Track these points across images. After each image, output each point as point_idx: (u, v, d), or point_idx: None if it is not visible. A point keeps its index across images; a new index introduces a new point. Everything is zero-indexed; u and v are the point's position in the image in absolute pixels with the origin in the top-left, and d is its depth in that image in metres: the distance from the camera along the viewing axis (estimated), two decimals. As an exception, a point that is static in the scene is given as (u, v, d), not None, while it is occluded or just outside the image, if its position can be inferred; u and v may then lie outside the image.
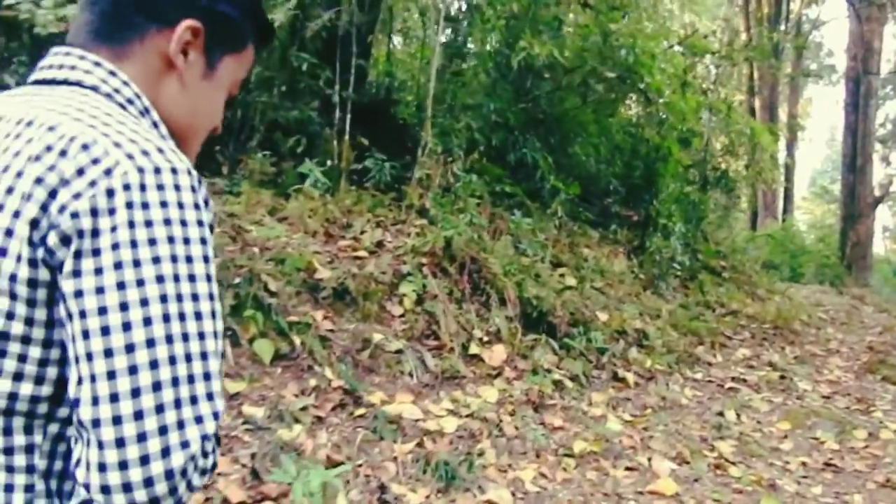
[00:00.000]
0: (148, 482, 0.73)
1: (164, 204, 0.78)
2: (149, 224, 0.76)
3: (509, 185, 6.89)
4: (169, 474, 0.74)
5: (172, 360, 0.76)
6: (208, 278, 0.81)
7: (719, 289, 9.62)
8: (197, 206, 0.81)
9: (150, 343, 0.75)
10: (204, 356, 0.78)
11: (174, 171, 0.80)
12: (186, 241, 0.79)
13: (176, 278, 0.77)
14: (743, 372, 6.46)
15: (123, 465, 0.73)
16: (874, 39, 18.03)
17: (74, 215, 0.75)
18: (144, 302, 0.75)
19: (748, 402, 5.66)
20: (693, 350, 6.66)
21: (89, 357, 0.74)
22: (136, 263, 0.75)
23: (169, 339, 0.76)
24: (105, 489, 0.73)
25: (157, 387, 0.75)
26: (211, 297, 0.81)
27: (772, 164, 11.58)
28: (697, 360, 6.52)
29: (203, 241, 0.80)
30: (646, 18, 9.90)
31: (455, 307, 5.38)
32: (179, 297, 0.77)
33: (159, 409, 0.75)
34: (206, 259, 0.80)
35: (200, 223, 0.81)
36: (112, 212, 0.75)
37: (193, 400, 0.77)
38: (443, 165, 6.46)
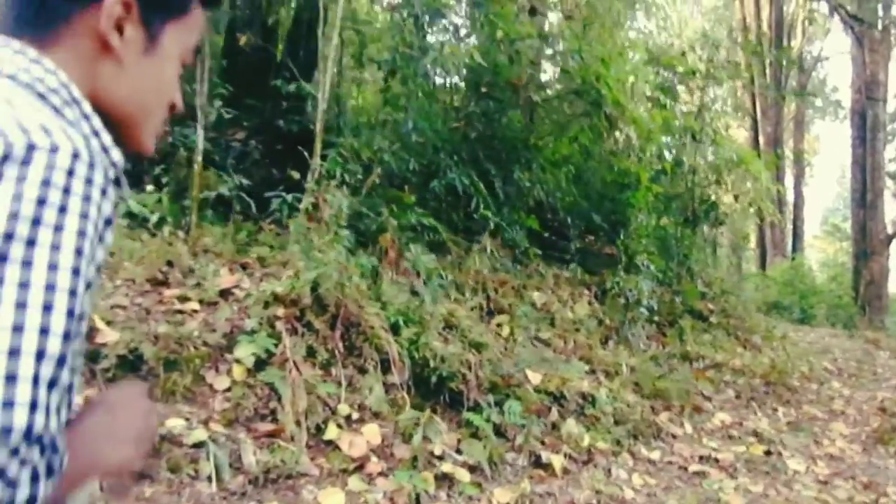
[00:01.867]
0: None
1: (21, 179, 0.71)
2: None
3: (423, 215, 5.62)
4: None
5: None
6: (75, 273, 0.72)
7: (704, 336, 8.22)
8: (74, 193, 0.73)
9: None
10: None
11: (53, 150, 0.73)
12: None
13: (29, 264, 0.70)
14: (717, 447, 5.06)
15: None
16: (879, 71, 16.95)
17: None
18: None
19: (717, 493, 4.26)
20: (654, 418, 5.27)
21: None
22: None
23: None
24: None
25: None
26: (72, 293, 0.72)
27: (765, 195, 10.23)
28: (659, 431, 5.13)
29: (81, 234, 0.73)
30: (609, 34, 8.73)
31: (318, 374, 4.06)
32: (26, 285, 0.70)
33: None
34: (78, 252, 0.73)
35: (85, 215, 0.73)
36: None
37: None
38: (332, 193, 5.21)
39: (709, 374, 6.91)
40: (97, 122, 0.84)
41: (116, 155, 0.84)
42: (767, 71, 23.73)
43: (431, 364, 4.35)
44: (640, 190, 7.41)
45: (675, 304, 8.43)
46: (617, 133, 8.27)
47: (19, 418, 0.66)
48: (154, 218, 4.85)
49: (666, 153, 8.83)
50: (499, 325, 6.01)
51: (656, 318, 8.00)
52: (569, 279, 7.91)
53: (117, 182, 0.83)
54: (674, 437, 5.12)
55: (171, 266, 4.55)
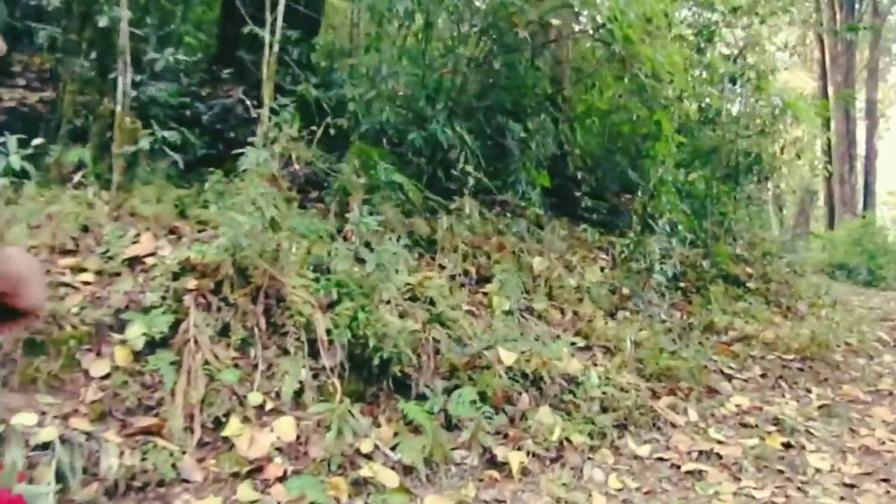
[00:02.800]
0: None
1: None
2: None
3: (392, 171, 4.93)
4: None
5: None
6: None
7: (737, 304, 7.35)
8: None
9: None
10: None
11: None
12: None
13: None
14: (724, 439, 4.30)
15: None
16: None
17: None
18: None
19: (710, 501, 3.53)
20: (653, 403, 4.54)
21: None
22: None
23: None
24: None
25: None
26: None
27: (816, 145, 9.14)
28: (655, 420, 4.40)
29: None
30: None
31: (230, 357, 3.48)
32: None
33: None
34: None
35: None
36: None
37: None
38: (282, 144, 4.58)
39: (734, 347, 6.09)
40: None
41: None
42: (838, 16, 21.95)
43: (371, 344, 3.72)
44: (662, 140, 6.54)
45: (705, 268, 7.57)
46: (642, 78, 7.37)
47: None
48: (77, 177, 4.32)
49: (695, 101, 7.86)
50: (484, 294, 5.33)
51: (681, 284, 7.18)
52: (584, 242, 7.16)
53: None
54: (673, 426, 4.38)
55: (87, 231, 4.02)
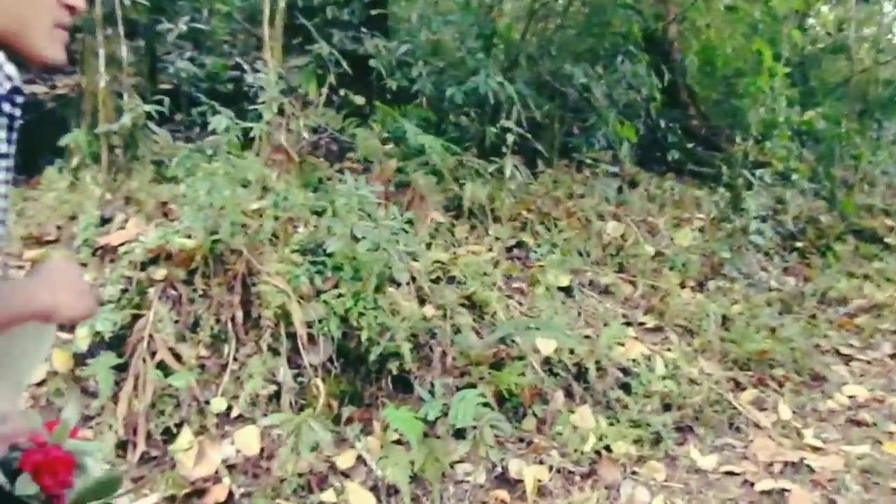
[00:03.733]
0: None
1: None
2: None
3: (418, 133, 4.27)
4: None
5: None
6: None
7: (870, 265, 6.16)
8: None
9: None
10: None
11: None
12: None
13: None
14: (824, 444, 3.41)
15: None
16: None
17: None
18: None
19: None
20: (733, 397, 3.70)
21: None
22: None
23: None
24: None
25: None
26: None
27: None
28: (733, 419, 3.56)
29: None
30: None
31: (197, 356, 3.04)
32: None
33: None
34: None
35: None
36: None
37: None
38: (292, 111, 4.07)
39: (858, 320, 5.02)
40: None
41: (11, 69, 0.96)
42: None
43: (364, 337, 3.15)
44: (763, 73, 5.46)
45: (828, 223, 6.42)
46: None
47: None
48: (75, 160, 4.02)
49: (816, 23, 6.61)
50: (541, 268, 4.62)
51: (799, 244, 6.10)
52: (682, 201, 6.23)
53: (6, 98, 0.95)
54: (757, 427, 3.53)
55: (73, 219, 3.71)
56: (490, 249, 4.66)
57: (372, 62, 4.50)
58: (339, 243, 3.29)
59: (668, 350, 4.02)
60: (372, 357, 3.17)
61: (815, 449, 3.34)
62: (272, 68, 4.14)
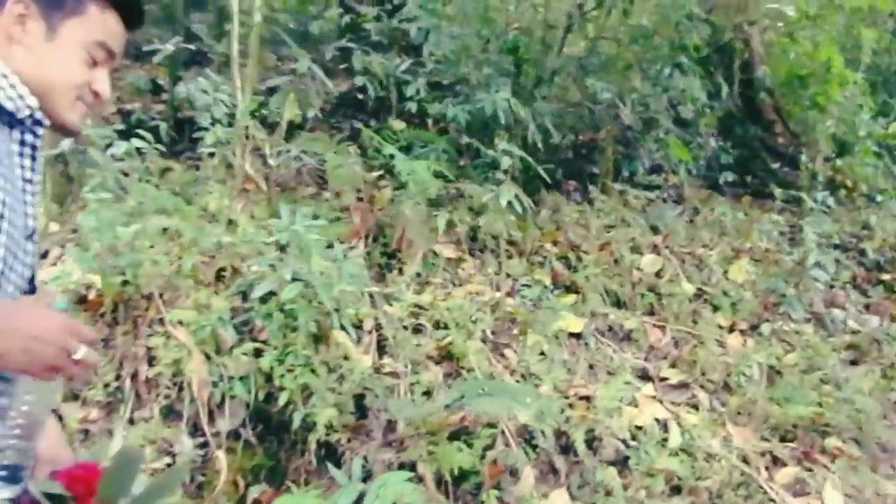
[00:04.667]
0: None
1: None
2: None
3: (407, 160, 3.71)
4: None
5: None
6: None
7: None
8: None
9: None
10: None
11: None
12: None
13: None
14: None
15: None
16: None
17: None
18: None
19: None
20: (769, 476, 2.90)
21: None
22: None
23: None
24: None
25: None
26: None
27: None
28: (763, 509, 2.78)
29: None
30: None
31: (84, 417, 2.60)
32: None
33: None
34: None
35: None
36: None
37: None
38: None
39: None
40: (13, 78, 1.13)
41: (32, 100, 1.14)
42: None
43: (284, 399, 2.63)
44: (831, 82, 4.62)
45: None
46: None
47: None
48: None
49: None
50: (549, 311, 3.97)
51: (885, 277, 5.14)
52: (738, 230, 5.40)
53: (27, 128, 1.16)
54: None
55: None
56: (497, 289, 4.07)
57: (358, 80, 4.03)
58: (268, 286, 2.79)
59: (692, 413, 3.28)
60: (295, 424, 2.64)
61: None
62: (239, 89, 3.75)
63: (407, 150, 4.23)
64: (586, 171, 5.60)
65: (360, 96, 4.23)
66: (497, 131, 3.92)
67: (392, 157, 3.87)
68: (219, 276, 3.08)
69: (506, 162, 3.72)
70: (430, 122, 4.51)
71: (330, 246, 3.73)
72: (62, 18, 1.16)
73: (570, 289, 4.21)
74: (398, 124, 4.21)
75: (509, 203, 3.84)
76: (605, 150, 5.40)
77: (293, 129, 4.16)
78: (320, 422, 2.56)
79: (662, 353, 3.82)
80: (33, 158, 1.19)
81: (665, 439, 3.00)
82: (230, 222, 3.43)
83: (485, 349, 3.31)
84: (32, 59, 1.15)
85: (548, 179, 4.08)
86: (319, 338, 2.88)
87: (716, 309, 4.25)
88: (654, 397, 3.35)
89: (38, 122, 1.17)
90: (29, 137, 1.17)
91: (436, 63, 4.28)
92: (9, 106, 1.12)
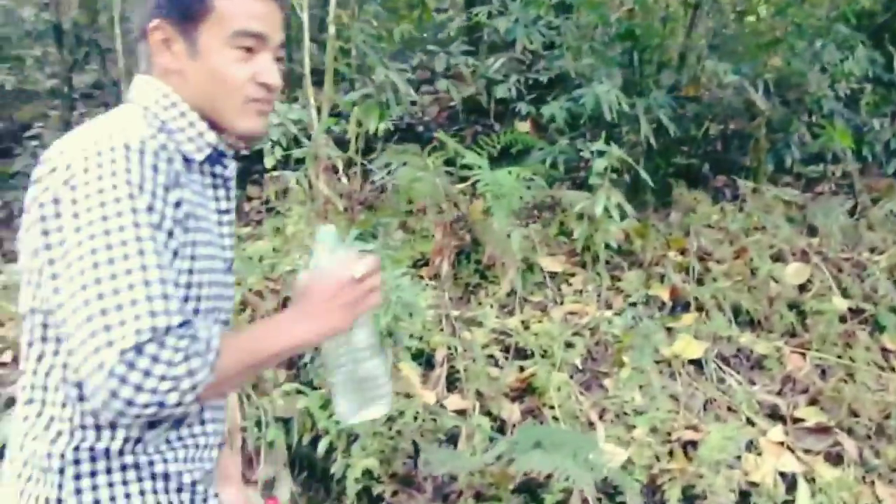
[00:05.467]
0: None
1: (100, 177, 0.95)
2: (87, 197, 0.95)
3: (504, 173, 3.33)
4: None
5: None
6: (138, 239, 0.93)
7: None
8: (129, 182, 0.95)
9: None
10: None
11: (114, 148, 0.97)
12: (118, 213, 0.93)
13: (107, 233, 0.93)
14: None
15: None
16: None
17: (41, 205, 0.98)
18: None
19: None
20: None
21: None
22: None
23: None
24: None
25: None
26: (141, 252, 0.93)
27: None
28: None
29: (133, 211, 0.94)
30: None
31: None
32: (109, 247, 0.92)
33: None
34: (135, 225, 0.94)
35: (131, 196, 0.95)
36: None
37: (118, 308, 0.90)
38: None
39: None
40: (192, 115, 1.08)
41: (210, 137, 1.09)
42: None
43: (325, 443, 2.37)
44: None
45: None
46: None
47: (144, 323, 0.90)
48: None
49: None
50: (668, 331, 3.45)
51: None
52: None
53: (215, 161, 1.12)
54: None
55: None
56: (609, 306, 3.64)
57: (441, 84, 3.73)
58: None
59: (831, 466, 2.66)
60: (336, 473, 2.38)
61: None
62: (312, 107, 3.58)
63: (504, 155, 3.88)
64: (738, 163, 4.94)
65: (452, 103, 3.91)
66: (597, 130, 3.45)
67: (473, 167, 3.52)
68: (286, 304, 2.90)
69: (599, 165, 3.24)
70: (528, 123, 4.12)
71: (413, 265, 3.47)
72: (196, 25, 1.07)
73: (692, 306, 3.66)
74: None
75: (616, 209, 3.36)
76: (756, 139, 4.74)
77: (376, 143, 3.94)
78: (355, 472, 2.28)
79: (800, 386, 3.17)
80: (227, 188, 1.15)
81: (788, 501, 2.42)
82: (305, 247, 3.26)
83: (570, 382, 2.88)
84: (190, 83, 1.08)
85: (650, 182, 3.54)
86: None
87: (878, 331, 3.51)
88: (782, 443, 2.76)
89: (222, 155, 1.12)
90: (219, 169, 1.13)
91: (532, 58, 3.89)
92: (190, 149, 1.07)
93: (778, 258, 4.01)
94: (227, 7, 1.07)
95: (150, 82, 1.11)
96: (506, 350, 3.07)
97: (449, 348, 3.00)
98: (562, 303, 3.64)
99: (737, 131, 5.22)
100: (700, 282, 3.81)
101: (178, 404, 0.91)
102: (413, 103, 3.75)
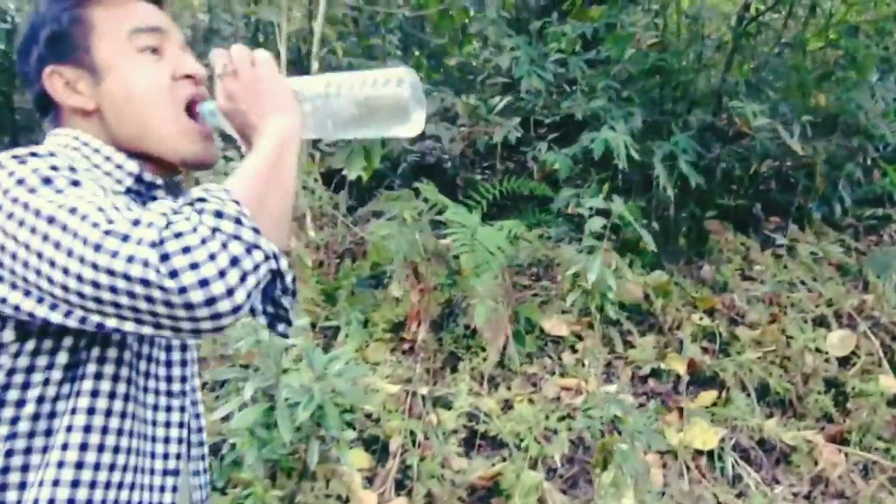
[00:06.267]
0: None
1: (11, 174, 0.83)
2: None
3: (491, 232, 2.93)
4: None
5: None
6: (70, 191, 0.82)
7: None
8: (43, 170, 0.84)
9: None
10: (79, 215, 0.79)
11: (17, 156, 0.85)
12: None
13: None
14: None
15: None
16: None
17: None
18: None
19: None
20: None
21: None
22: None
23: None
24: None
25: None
26: (80, 196, 0.81)
27: None
28: None
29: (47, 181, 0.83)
30: None
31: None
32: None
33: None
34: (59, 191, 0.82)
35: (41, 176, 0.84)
36: None
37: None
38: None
39: None
40: (106, 149, 0.97)
41: (131, 166, 0.97)
42: None
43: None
44: None
45: None
46: None
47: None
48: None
49: None
50: (679, 412, 2.97)
51: None
52: None
53: (145, 195, 0.98)
54: None
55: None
56: (616, 379, 3.21)
57: (430, 127, 3.37)
58: (229, 408, 2.21)
59: None
60: None
61: None
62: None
63: (498, 206, 3.49)
64: (793, 203, 4.41)
65: (438, 145, 3.55)
66: (592, 179, 3.03)
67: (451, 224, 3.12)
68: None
69: (595, 224, 2.80)
70: (534, 169, 3.71)
71: (391, 329, 3.12)
72: (87, 48, 0.96)
73: (712, 382, 3.17)
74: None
75: (614, 275, 2.91)
76: (800, 183, 4.25)
77: (365, 190, 3.61)
78: None
79: (835, 488, 2.64)
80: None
81: None
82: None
83: (545, 486, 2.43)
84: (109, 117, 0.97)
85: (652, 247, 3.05)
86: (304, 473, 2.24)
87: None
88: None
89: (151, 185, 0.99)
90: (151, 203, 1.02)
91: (534, 99, 3.49)
92: (107, 184, 0.94)
93: (821, 322, 3.49)
94: (110, 15, 0.97)
95: (57, 134, 0.99)
96: (474, 438, 2.66)
97: (412, 434, 2.61)
98: (562, 374, 3.22)
99: (793, 167, 4.70)
100: (725, 352, 3.32)
101: (255, 246, 0.76)
102: (437, 139, 3.39)
